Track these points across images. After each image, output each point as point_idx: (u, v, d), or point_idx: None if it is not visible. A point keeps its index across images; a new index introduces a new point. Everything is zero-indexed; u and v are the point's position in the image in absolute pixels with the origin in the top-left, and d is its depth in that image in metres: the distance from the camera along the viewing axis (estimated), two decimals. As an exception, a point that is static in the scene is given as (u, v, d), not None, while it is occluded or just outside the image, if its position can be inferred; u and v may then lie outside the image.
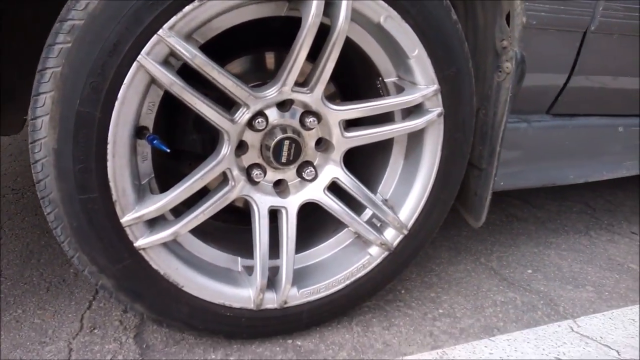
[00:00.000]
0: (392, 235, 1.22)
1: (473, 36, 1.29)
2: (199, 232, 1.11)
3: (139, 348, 1.14)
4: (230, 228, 1.33)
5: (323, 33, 0.99)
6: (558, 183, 1.60)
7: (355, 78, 1.29)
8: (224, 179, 1.08)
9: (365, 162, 1.33)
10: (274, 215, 1.15)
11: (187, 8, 0.86)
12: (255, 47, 1.21)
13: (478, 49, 1.27)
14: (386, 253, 1.22)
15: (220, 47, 1.04)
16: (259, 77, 1.21)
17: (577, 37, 1.32)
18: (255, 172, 1.09)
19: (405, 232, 1.22)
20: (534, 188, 1.59)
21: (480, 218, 1.38)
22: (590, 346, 1.29)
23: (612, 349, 1.29)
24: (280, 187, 1.17)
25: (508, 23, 1.17)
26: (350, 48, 1.07)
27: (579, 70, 1.40)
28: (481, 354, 1.23)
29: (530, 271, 1.66)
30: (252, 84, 1.20)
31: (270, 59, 1.25)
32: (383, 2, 0.99)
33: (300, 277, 1.19)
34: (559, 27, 1.27)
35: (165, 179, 1.10)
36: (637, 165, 1.71)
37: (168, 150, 0.95)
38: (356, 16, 1.01)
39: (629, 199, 2.38)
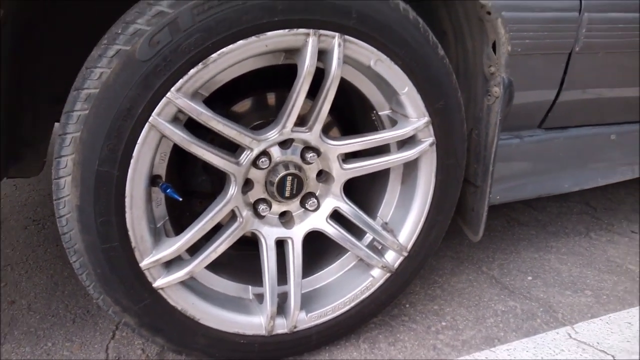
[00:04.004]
0: (392, 257, 1.30)
1: (463, 61, 1.35)
2: (210, 263, 1.18)
3: (161, 374, 1.22)
4: (239, 255, 1.41)
5: (319, 73, 1.05)
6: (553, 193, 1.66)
7: (352, 110, 1.36)
8: (232, 215, 1.16)
9: (364, 188, 1.40)
10: (281, 241, 1.22)
11: (192, 71, 0.93)
12: (255, 88, 1.29)
13: (469, 72, 1.34)
14: (388, 274, 1.30)
15: (222, 94, 1.11)
16: (261, 115, 1.29)
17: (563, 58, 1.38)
18: (261, 207, 1.17)
19: (405, 253, 1.29)
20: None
21: (477, 232, 1.44)
22: (587, 352, 1.36)
23: (608, 354, 1.36)
24: (285, 217, 1.24)
25: (494, 51, 1.24)
26: (345, 84, 1.14)
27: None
28: (482, 365, 1.30)
29: (530, 278, 1.72)
30: (253, 124, 1.28)
31: (271, 98, 1.32)
32: (372, 48, 1.06)
33: (307, 301, 1.26)
34: (545, 51, 1.33)
35: (178, 219, 1.18)
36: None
37: (180, 199, 1.02)
38: (348, 60, 1.08)
39: (630, 195, 2.42)
